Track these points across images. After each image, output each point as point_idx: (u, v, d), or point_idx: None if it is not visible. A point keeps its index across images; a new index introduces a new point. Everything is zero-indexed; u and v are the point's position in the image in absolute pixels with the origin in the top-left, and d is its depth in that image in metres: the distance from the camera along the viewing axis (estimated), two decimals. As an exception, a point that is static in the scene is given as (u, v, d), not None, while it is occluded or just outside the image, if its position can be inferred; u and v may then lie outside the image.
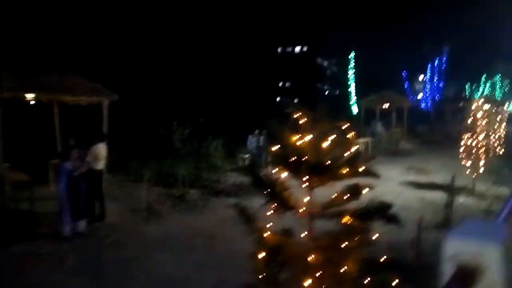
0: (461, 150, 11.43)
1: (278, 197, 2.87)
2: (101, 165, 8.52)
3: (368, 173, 2.80)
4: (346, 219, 2.78)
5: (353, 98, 32.74)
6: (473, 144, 11.23)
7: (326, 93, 53.96)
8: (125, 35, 25.34)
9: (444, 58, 38.15)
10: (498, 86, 43.44)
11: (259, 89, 35.85)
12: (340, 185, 2.84)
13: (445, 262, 1.20)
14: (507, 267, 1.17)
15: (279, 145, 2.93)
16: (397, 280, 2.76)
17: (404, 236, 5.81)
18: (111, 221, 8.39)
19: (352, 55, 32.62)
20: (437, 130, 25.10)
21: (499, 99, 32.06)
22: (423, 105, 38.16)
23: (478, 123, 11.41)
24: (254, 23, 37.07)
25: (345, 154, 2.81)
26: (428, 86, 38.66)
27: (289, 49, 59.12)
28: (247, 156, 13.72)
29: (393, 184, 11.75)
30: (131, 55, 25.16)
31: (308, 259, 2.74)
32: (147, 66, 25.98)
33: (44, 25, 20.54)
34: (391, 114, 21.75)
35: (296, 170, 2.79)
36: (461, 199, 9.97)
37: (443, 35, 36.21)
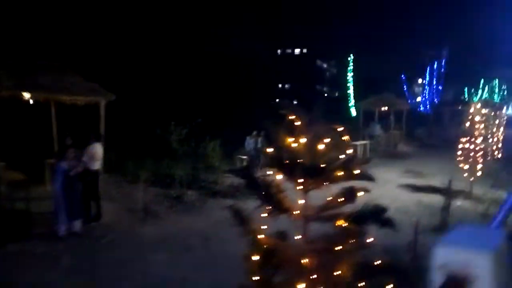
0: (459, 153, 11.43)
1: (273, 199, 2.85)
2: (97, 165, 8.49)
3: (363, 176, 2.78)
4: (341, 222, 2.75)
5: (352, 100, 32.79)
6: (471, 147, 11.22)
7: (325, 95, 54.06)
8: (123, 35, 25.34)
9: (443, 62, 38.25)
10: (496, 90, 43.58)
11: (259, 90, 35.87)
12: (335, 188, 2.81)
13: (434, 271, 1.15)
14: (500, 274, 1.11)
15: (274, 147, 2.90)
16: (392, 285, 2.74)
17: (401, 239, 5.77)
18: (107, 222, 8.35)
19: (351, 57, 32.69)
20: (435, 133, 25.10)
21: (497, 102, 32.14)
22: (421, 108, 38.24)
23: (476, 127, 11.41)
24: (254, 24, 37.12)
25: (340, 157, 2.79)
26: (427, 89, 38.75)
27: (289, 50, 59.23)
28: (245, 157, 13.69)
29: (391, 187, 11.75)
30: (129, 55, 25.16)
31: (303, 262, 2.72)
32: (145, 66, 25.96)
33: (42, 24, 20.52)
34: (389, 116, 21.75)
35: (291, 172, 2.77)
36: (458, 203, 9.95)
37: (442, 39, 36.33)
